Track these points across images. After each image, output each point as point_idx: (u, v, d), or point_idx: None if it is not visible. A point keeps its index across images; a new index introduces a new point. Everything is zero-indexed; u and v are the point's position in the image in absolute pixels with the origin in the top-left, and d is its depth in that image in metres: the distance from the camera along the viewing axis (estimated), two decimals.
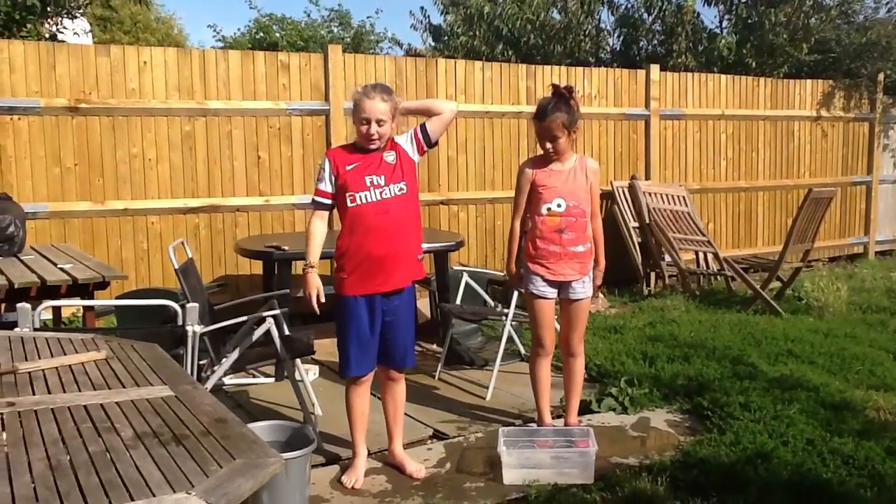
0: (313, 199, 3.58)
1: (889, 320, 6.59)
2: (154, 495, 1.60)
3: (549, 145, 3.85)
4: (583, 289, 3.94)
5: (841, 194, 9.91)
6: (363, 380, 3.63)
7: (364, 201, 3.44)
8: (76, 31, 10.42)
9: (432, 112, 3.68)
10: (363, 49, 15.92)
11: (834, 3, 11.40)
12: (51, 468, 1.75)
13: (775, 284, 7.32)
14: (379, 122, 3.42)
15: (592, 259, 3.97)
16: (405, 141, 3.61)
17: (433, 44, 13.84)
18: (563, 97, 3.84)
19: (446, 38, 13.13)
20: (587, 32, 11.91)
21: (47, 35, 9.13)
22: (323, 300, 3.49)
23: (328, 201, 3.53)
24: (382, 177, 3.47)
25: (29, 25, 8.38)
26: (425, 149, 3.63)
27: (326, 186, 3.50)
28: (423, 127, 3.64)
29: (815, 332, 5.98)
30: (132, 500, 1.58)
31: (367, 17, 18.33)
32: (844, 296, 7.06)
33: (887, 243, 10.76)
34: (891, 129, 10.63)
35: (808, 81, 9.94)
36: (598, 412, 4.49)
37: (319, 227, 3.55)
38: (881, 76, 10.26)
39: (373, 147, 3.47)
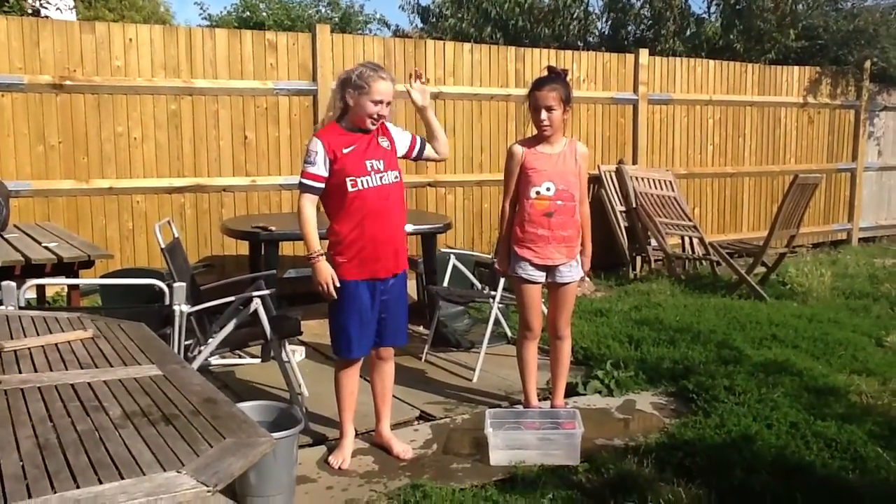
0: (302, 183, 3.44)
1: (872, 306, 6.66)
2: (144, 474, 1.60)
3: (544, 115, 3.78)
4: (570, 272, 3.94)
5: (826, 181, 9.95)
6: (356, 361, 3.63)
7: (366, 186, 3.40)
8: (59, 6, 10.28)
9: (434, 139, 3.71)
10: (351, 30, 15.81)
11: None
12: (39, 447, 1.73)
13: (760, 269, 7.36)
14: (388, 105, 3.43)
15: (580, 242, 3.97)
16: (400, 135, 3.63)
17: (421, 25, 13.77)
18: (559, 76, 3.84)
19: (434, 19, 13.07)
20: (575, 16, 11.88)
21: (30, 10, 9.01)
22: (338, 285, 3.44)
23: (321, 185, 3.43)
24: (382, 161, 3.46)
25: (11, 0, 8.26)
26: (409, 157, 3.69)
27: (320, 170, 3.41)
28: (423, 143, 3.70)
29: (799, 317, 6.03)
30: (122, 478, 1.57)
31: None
32: (828, 281, 7.12)
33: (870, 230, 10.84)
34: (876, 117, 10.68)
35: (796, 68, 9.96)
36: (584, 395, 4.51)
37: (312, 212, 3.45)
38: (868, 64, 10.29)
39: (371, 128, 3.46)
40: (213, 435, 1.82)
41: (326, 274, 3.43)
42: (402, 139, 3.63)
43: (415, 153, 3.69)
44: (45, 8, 9.30)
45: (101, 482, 1.56)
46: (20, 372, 2.30)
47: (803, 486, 3.27)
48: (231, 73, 6.51)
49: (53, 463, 1.65)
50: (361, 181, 3.40)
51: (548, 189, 3.84)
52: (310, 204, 3.45)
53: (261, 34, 6.76)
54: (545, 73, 3.89)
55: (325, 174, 3.42)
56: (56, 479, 1.57)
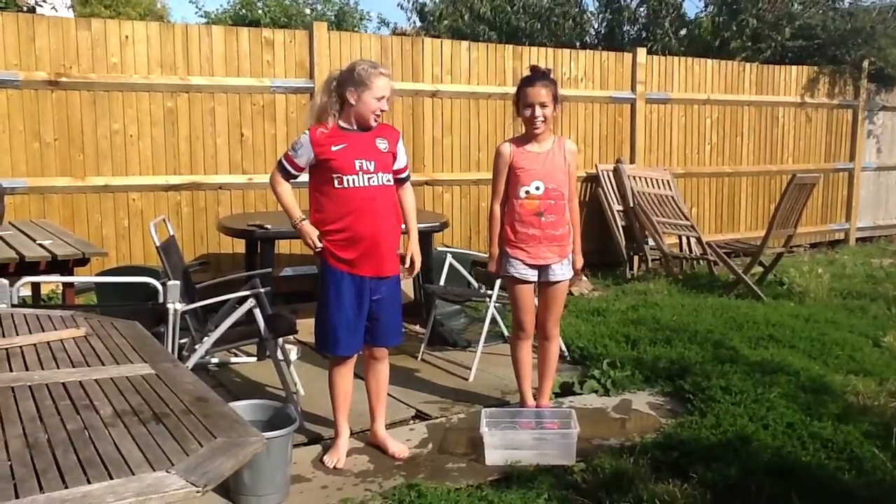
0: (281, 162, 3.53)
1: (869, 306, 6.64)
2: (133, 474, 1.58)
3: (538, 111, 3.75)
4: (562, 271, 3.91)
5: (823, 181, 9.93)
6: (348, 360, 3.62)
7: (352, 185, 3.41)
8: (56, 5, 10.24)
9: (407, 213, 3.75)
10: (347, 27, 15.78)
11: None
12: (28, 446, 1.72)
13: (757, 269, 7.35)
14: (388, 100, 3.45)
15: (571, 241, 3.95)
16: (401, 148, 3.64)
17: (419, 23, 13.74)
18: (545, 74, 3.82)
19: (432, 18, 13.05)
20: (569, 15, 11.86)
21: (25, 8, 8.98)
22: (320, 245, 3.48)
23: (295, 173, 3.53)
24: (373, 163, 3.45)
25: None
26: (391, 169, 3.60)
27: (300, 161, 3.48)
28: (407, 178, 3.73)
29: (796, 317, 6.01)
30: (111, 478, 1.55)
31: None
32: (826, 281, 7.11)
33: (868, 230, 10.83)
34: (874, 116, 10.67)
35: (794, 67, 9.95)
36: (581, 394, 4.50)
37: (287, 184, 3.56)
38: (865, 63, 10.28)
39: (374, 125, 3.47)
40: (204, 434, 1.80)
41: (312, 233, 3.50)
42: (400, 151, 3.64)
43: (398, 177, 3.66)
44: (41, 6, 9.26)
45: (89, 482, 1.54)
46: (11, 370, 2.28)
47: (799, 487, 3.26)
48: (228, 70, 6.49)
49: (42, 462, 1.63)
50: (348, 179, 3.40)
51: (537, 188, 3.81)
52: (283, 179, 3.55)
53: (257, 31, 6.74)
54: (530, 72, 3.87)
55: (303, 167, 3.50)
56: (44, 478, 1.55)
